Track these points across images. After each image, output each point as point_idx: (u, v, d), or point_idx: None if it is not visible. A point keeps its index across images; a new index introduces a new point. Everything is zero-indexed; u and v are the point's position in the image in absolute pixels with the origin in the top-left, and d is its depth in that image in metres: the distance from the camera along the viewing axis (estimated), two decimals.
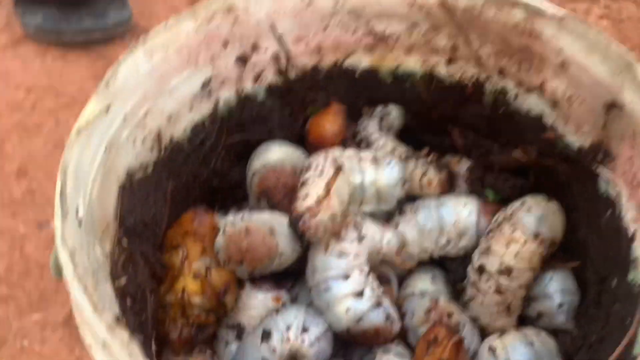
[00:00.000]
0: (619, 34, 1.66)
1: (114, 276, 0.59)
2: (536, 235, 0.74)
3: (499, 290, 0.74)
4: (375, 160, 0.80)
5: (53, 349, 1.08)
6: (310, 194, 0.71)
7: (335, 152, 0.78)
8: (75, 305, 0.49)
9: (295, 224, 0.69)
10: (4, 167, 1.37)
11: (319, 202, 0.69)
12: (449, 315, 0.73)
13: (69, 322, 1.11)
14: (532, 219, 0.75)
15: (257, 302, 0.73)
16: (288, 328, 0.68)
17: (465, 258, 0.81)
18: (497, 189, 0.86)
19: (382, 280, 0.78)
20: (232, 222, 0.71)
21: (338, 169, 0.75)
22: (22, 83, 1.57)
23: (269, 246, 0.70)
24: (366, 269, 0.72)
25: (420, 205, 0.82)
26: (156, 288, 0.66)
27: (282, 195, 0.78)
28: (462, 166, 0.89)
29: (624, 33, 1.68)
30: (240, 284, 0.74)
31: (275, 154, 0.82)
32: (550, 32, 0.73)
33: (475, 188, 0.86)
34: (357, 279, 0.70)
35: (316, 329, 0.69)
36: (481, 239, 0.78)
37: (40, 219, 1.27)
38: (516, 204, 0.78)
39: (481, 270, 0.75)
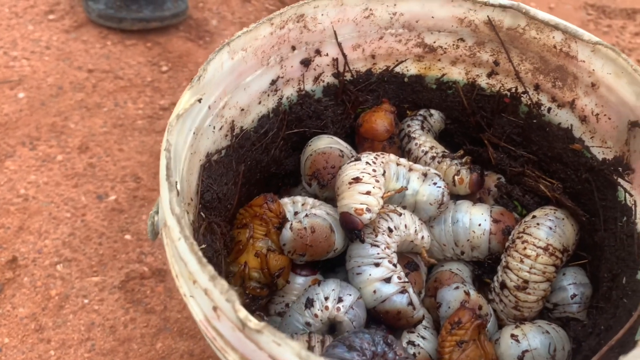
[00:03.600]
0: None
1: (197, 242, 0.68)
2: (546, 249, 0.81)
3: (516, 307, 0.82)
4: (424, 175, 0.86)
5: (110, 309, 1.18)
6: (370, 205, 0.77)
7: (392, 157, 0.85)
8: (177, 261, 0.59)
9: (355, 234, 0.77)
10: (67, 142, 1.47)
11: (375, 213, 0.78)
12: (480, 307, 0.81)
13: (125, 286, 1.22)
14: (541, 233, 0.81)
15: (300, 285, 0.83)
16: (326, 299, 0.78)
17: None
18: (523, 202, 0.93)
19: (412, 266, 0.86)
20: (299, 219, 0.80)
21: (402, 188, 0.83)
22: (84, 65, 1.67)
23: (329, 242, 0.80)
24: (395, 259, 0.79)
25: (435, 222, 0.88)
26: (226, 256, 0.77)
27: (331, 176, 0.87)
28: (491, 180, 0.95)
29: None
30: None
31: (325, 142, 0.91)
32: (584, 55, 0.81)
33: (503, 200, 0.94)
34: (386, 267, 0.78)
35: (349, 298, 0.78)
36: (502, 255, 0.85)
37: (100, 192, 1.38)
38: (527, 219, 0.85)
39: (502, 285, 0.83)
